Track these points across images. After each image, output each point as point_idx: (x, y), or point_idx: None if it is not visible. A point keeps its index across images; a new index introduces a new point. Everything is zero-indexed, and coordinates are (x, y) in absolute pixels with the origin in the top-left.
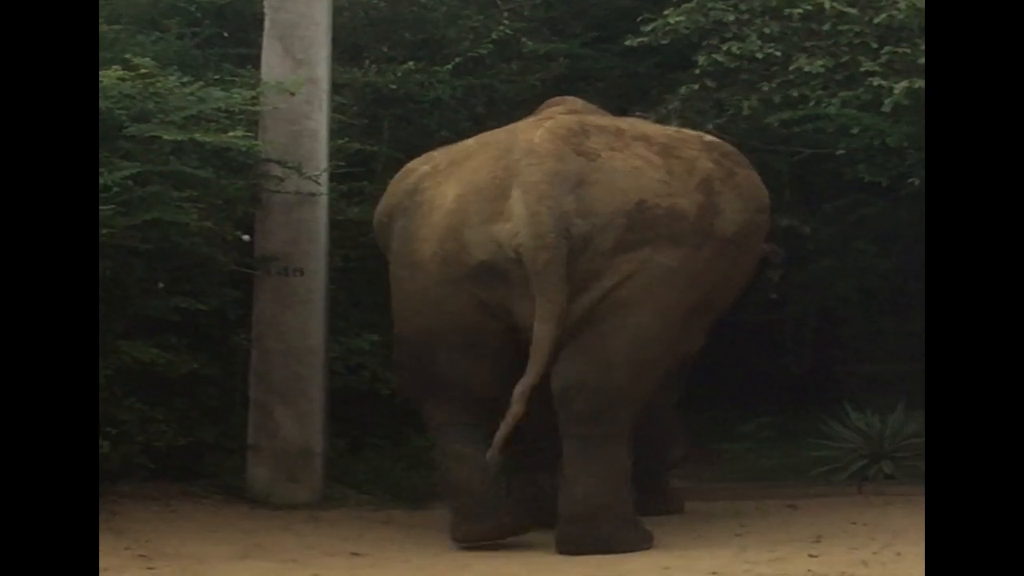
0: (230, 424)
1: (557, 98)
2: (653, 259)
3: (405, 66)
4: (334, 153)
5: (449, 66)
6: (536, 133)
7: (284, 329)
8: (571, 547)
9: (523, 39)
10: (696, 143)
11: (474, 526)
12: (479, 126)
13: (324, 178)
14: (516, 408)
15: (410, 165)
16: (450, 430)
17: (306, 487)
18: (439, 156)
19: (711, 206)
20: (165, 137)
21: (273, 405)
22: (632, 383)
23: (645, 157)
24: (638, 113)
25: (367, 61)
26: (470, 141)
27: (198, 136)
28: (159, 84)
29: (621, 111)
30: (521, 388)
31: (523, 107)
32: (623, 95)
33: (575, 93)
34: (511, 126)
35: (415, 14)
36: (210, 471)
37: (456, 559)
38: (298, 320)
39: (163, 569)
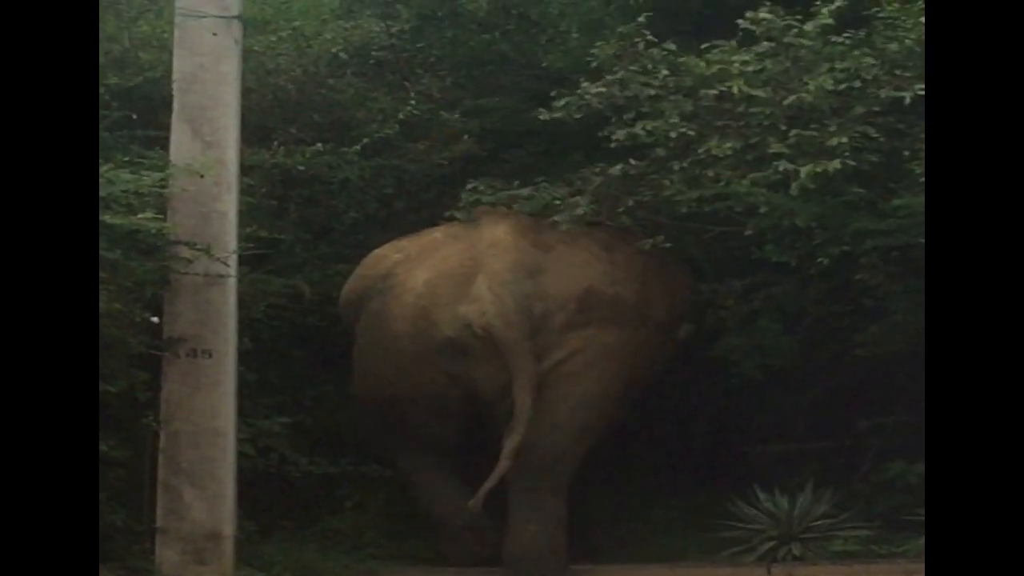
0: (138, 507)
1: (485, 207)
2: (597, 337)
3: (313, 148)
4: (243, 236)
5: (357, 147)
6: (499, 228)
7: (193, 411)
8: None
9: (441, 112)
10: (631, 239)
11: (464, 549)
12: (387, 207)
13: (233, 260)
14: (504, 464)
15: (379, 252)
16: (427, 474)
17: (215, 570)
18: (408, 244)
19: (646, 294)
20: None
21: (182, 487)
22: (574, 443)
23: (591, 250)
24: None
25: (275, 143)
26: (437, 232)
27: (107, 219)
28: None
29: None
30: (509, 446)
31: (431, 188)
32: (533, 171)
33: (485, 170)
34: (474, 220)
35: (323, 96)
36: (118, 554)
37: None
38: (207, 402)
39: None
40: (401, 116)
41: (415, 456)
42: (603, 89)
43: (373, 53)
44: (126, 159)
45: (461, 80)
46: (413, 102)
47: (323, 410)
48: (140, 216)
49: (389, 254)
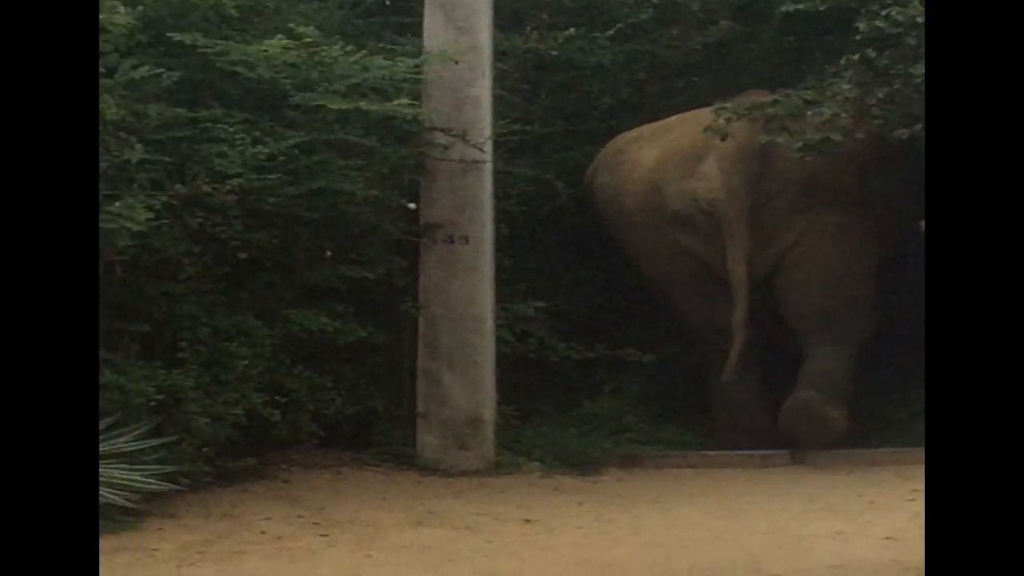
0: (398, 392)
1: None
2: (821, 218)
3: (566, 32)
4: (496, 122)
5: (611, 32)
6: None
7: (451, 296)
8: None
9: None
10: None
11: (739, 430)
12: (640, 92)
13: (488, 146)
14: (741, 335)
15: (618, 136)
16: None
17: (476, 455)
18: (644, 129)
19: (865, 183)
20: (331, 107)
21: (441, 373)
22: (843, 313)
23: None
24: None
25: (527, 28)
26: (673, 118)
27: (363, 105)
28: (324, 53)
29: (777, 79)
30: (737, 318)
31: (684, 74)
32: (778, 62)
33: (734, 58)
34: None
35: None
36: (379, 439)
37: (629, 523)
38: (465, 288)
39: (337, 536)
40: (655, 0)
41: (698, 335)
42: None
43: None
44: (380, 45)
45: None
46: None
47: (579, 295)
48: (396, 102)
49: (624, 135)
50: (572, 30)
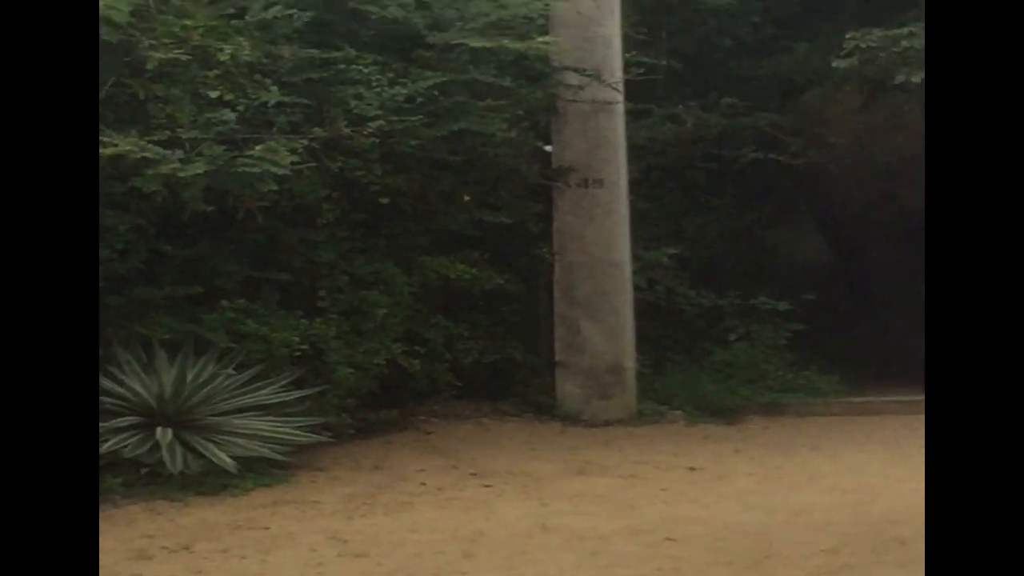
0: (535, 341)
1: None
2: None
3: None
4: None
5: None
6: None
7: (586, 242)
8: None
9: None
10: None
11: None
12: (757, 34)
13: (620, 86)
14: None
15: None
16: None
17: (618, 404)
18: None
19: None
20: (471, 44)
21: (580, 321)
22: None
23: None
24: None
25: None
26: None
27: (507, 43)
28: None
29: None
30: None
31: (801, 17)
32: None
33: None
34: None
35: None
36: (518, 389)
37: (799, 469)
38: (601, 233)
39: (501, 487)
40: None
41: None
42: None
43: None
44: None
45: None
46: None
47: (701, 243)
48: (539, 39)
49: None
50: None
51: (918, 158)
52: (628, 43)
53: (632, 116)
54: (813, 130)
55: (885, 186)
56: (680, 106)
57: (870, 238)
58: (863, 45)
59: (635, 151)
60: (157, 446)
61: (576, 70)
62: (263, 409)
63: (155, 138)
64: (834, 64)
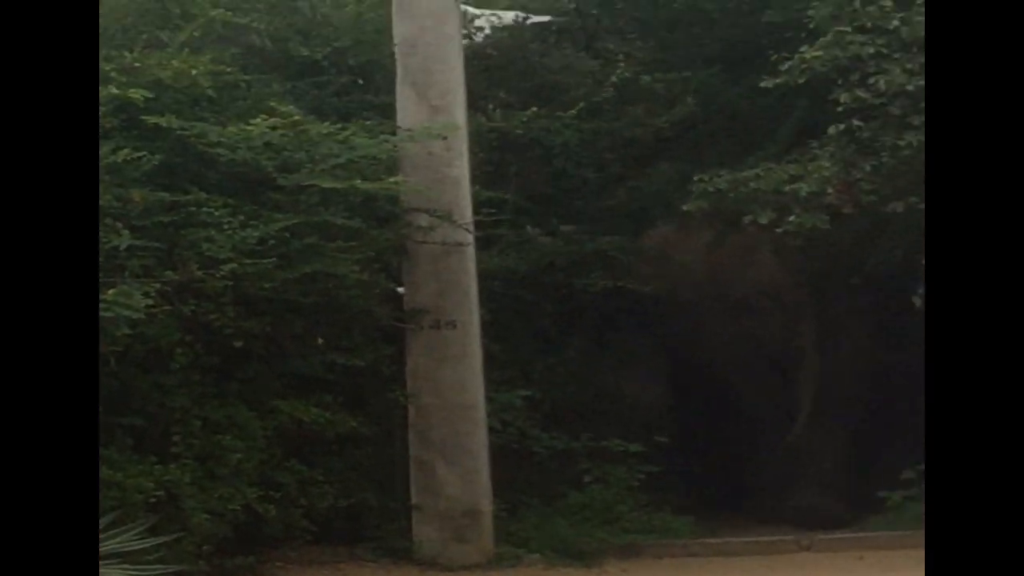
0: (391, 483)
1: None
2: None
3: (530, 111)
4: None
5: (574, 111)
6: None
7: (440, 384)
8: None
9: (643, 76)
10: None
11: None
12: (603, 172)
13: (471, 227)
14: None
15: None
16: None
17: (476, 548)
18: None
19: None
20: (323, 185)
21: (435, 463)
22: None
23: None
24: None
25: (490, 107)
26: None
27: (357, 183)
28: (311, 132)
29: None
30: None
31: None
32: (752, 136)
33: (705, 135)
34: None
35: (525, 61)
36: (373, 533)
37: None
38: (455, 375)
39: None
40: (614, 79)
41: None
42: (820, 53)
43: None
44: (366, 122)
45: (666, 42)
46: (622, 65)
47: (551, 385)
48: (391, 180)
49: None
50: (535, 109)
51: (770, 295)
52: (476, 178)
53: (481, 244)
54: (666, 259)
55: (740, 322)
56: (528, 227)
57: (727, 375)
58: (711, 189)
59: (485, 285)
60: None
61: (426, 211)
62: (118, 557)
63: None
64: (684, 208)
